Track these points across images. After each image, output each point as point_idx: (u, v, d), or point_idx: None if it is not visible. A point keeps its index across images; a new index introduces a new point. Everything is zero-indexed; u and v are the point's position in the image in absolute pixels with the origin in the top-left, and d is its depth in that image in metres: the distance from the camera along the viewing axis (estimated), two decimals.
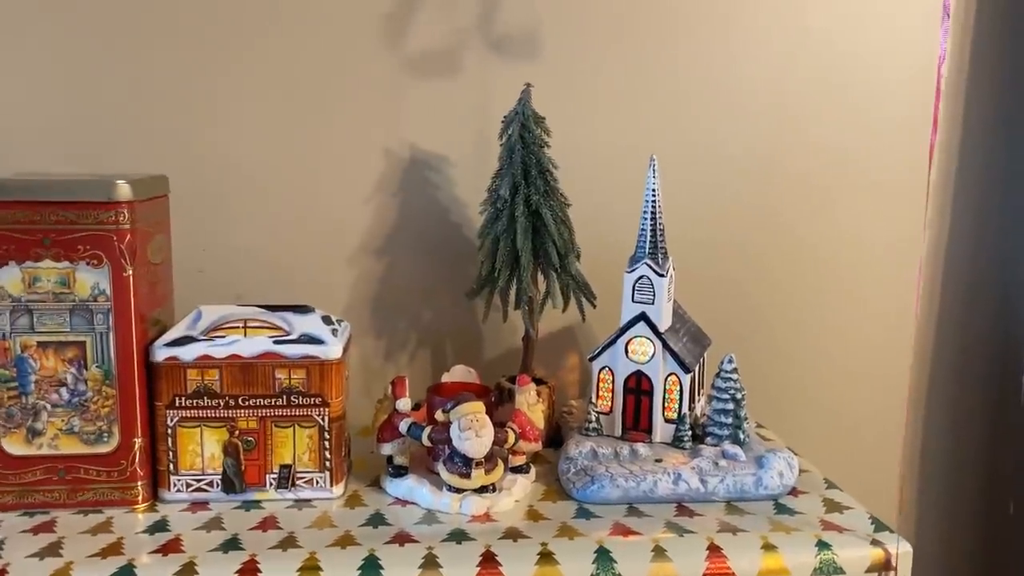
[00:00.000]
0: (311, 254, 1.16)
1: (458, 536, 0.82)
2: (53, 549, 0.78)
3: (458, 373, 1.01)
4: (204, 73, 1.11)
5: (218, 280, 1.14)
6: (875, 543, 0.82)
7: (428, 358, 1.21)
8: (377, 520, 0.86)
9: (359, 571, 0.76)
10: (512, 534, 0.83)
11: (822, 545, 0.81)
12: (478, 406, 0.88)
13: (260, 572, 0.75)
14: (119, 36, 1.09)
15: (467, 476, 0.88)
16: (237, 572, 0.75)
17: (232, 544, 0.80)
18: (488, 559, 0.78)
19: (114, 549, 0.79)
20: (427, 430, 0.90)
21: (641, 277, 0.98)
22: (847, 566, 0.81)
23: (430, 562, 0.77)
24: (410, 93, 1.15)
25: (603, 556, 0.79)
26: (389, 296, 1.18)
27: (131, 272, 0.86)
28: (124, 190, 0.85)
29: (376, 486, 0.95)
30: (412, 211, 1.18)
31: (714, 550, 0.80)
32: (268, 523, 0.85)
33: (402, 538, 0.82)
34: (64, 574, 0.74)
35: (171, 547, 0.79)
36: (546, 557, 0.79)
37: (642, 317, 0.98)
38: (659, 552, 0.80)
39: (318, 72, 1.13)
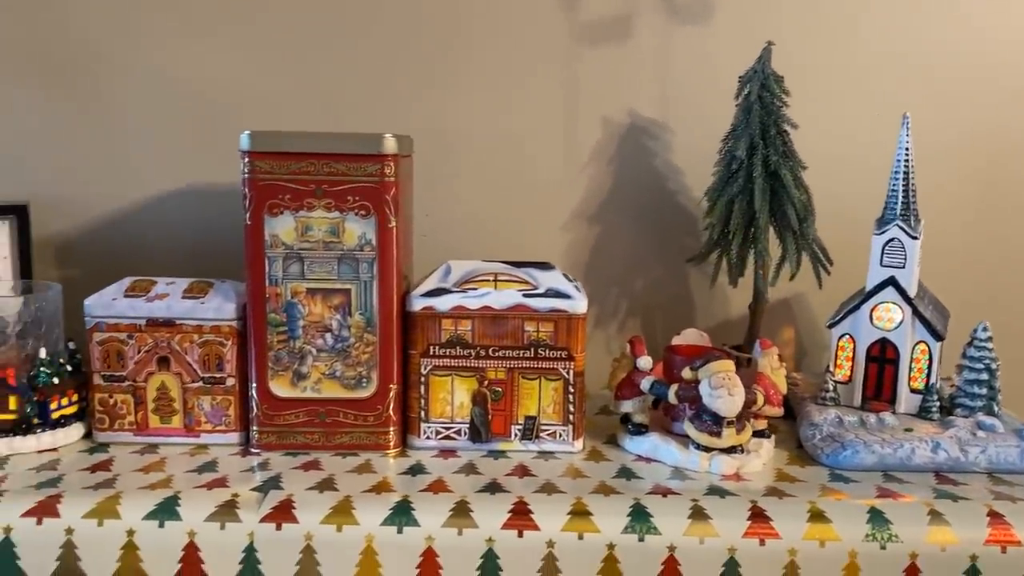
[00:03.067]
0: (527, 220, 1.18)
1: (719, 491, 0.81)
2: (328, 484, 0.82)
3: (691, 336, 1.00)
4: (432, 43, 1.15)
5: (436, 243, 1.16)
6: None
7: (638, 327, 1.20)
8: (627, 473, 0.86)
9: (629, 517, 0.76)
10: (774, 492, 0.81)
11: None
12: (729, 364, 0.87)
13: (532, 513, 0.77)
14: (353, 22, 1.14)
15: (717, 435, 0.86)
16: (510, 512, 0.77)
17: (495, 487, 0.82)
18: (757, 514, 0.77)
19: (383, 486, 0.82)
20: (674, 387, 0.89)
21: (892, 240, 0.94)
22: None
23: (698, 513, 0.77)
24: (633, 60, 1.15)
25: (877, 517, 0.76)
26: (601, 263, 1.19)
27: (395, 224, 0.89)
28: (391, 144, 0.88)
29: (610, 444, 0.95)
30: (627, 178, 1.18)
31: (995, 516, 0.76)
32: (521, 470, 0.86)
33: (662, 490, 0.81)
34: (346, 507, 0.77)
35: (437, 487, 0.82)
36: (817, 516, 0.77)
37: (891, 282, 0.94)
38: (936, 516, 0.77)
39: (541, 39, 1.15)
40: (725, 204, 1.02)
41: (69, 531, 0.75)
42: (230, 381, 0.92)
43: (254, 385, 0.91)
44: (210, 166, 1.14)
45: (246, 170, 0.88)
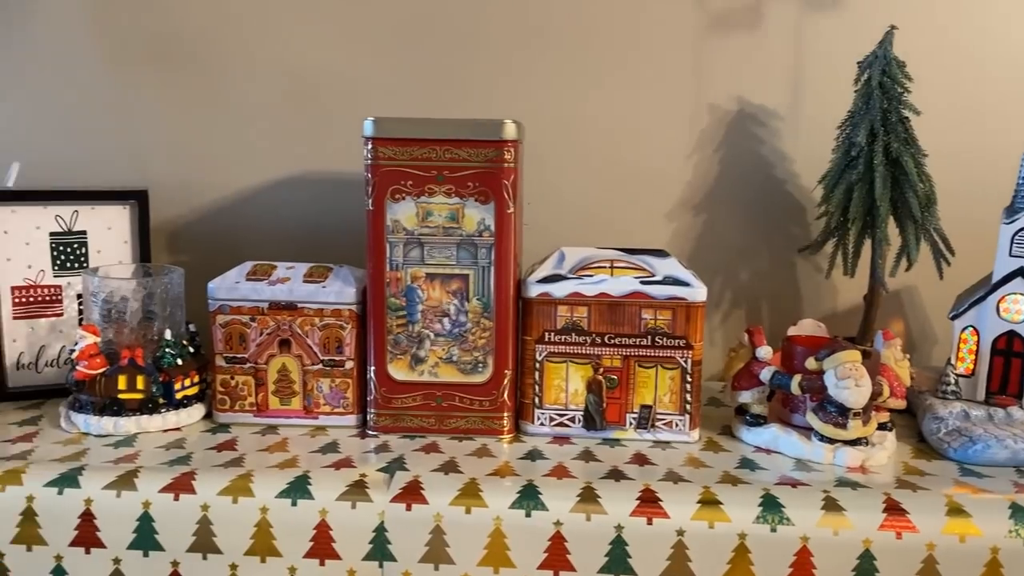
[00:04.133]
0: (631, 208, 1.17)
1: (849, 484, 0.79)
2: (451, 466, 0.82)
3: (807, 327, 0.98)
4: (543, 32, 1.14)
5: (539, 231, 1.16)
6: None
7: (742, 317, 1.18)
8: (749, 464, 0.85)
9: (760, 507, 0.75)
10: (906, 485, 0.79)
11: None
12: (856, 355, 0.85)
13: (661, 501, 0.76)
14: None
15: (843, 426, 0.85)
16: (637, 499, 0.76)
17: (617, 474, 0.81)
18: (892, 507, 0.75)
19: (506, 470, 0.82)
20: (797, 378, 0.87)
21: (1021, 230, 0.91)
22: None
23: (830, 504, 0.75)
24: (741, 44, 1.13)
25: (1020, 513, 0.74)
26: (706, 253, 1.17)
27: (513, 209, 0.89)
28: (511, 129, 0.88)
29: (724, 434, 0.94)
30: (734, 166, 1.16)
31: None
32: (639, 459, 0.86)
33: (790, 481, 0.80)
34: (473, 489, 0.77)
35: (560, 472, 0.81)
36: (955, 510, 0.74)
37: (1020, 272, 0.91)
38: None
39: (650, 28, 1.14)
40: (843, 191, 0.99)
41: (205, 507, 0.77)
42: (348, 364, 0.93)
43: (372, 368, 0.92)
44: (320, 154, 1.16)
45: (369, 156, 0.89)
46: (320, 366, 0.93)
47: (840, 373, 0.84)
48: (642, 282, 0.90)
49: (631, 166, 1.16)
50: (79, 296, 1.03)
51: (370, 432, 0.92)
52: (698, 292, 0.89)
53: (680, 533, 0.75)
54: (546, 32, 1.14)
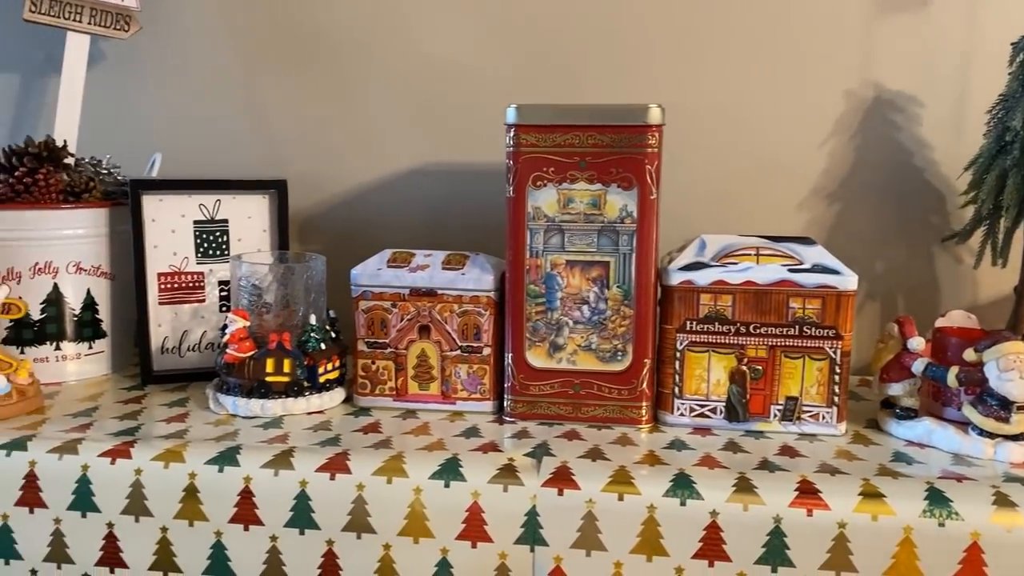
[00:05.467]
0: (764, 196, 1.14)
1: (1020, 479, 0.76)
2: (597, 454, 0.82)
3: (957, 318, 0.95)
4: (679, 15, 1.13)
5: (669, 218, 1.14)
6: None
7: (877, 310, 1.15)
8: (904, 458, 0.82)
9: (926, 501, 0.72)
10: None
11: None
12: (1020, 346, 0.81)
13: (820, 492, 0.74)
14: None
15: (1005, 420, 0.81)
16: (796, 489, 0.74)
17: (769, 465, 0.79)
18: None
19: (653, 459, 0.81)
20: (954, 370, 0.84)
21: None
22: None
23: (1002, 500, 0.72)
24: (877, 29, 1.10)
25: None
26: (839, 243, 1.13)
27: (656, 195, 0.88)
28: (655, 114, 0.87)
29: (870, 428, 0.91)
30: (870, 155, 1.12)
31: None
32: (788, 451, 0.84)
33: (954, 476, 0.77)
34: (624, 476, 0.77)
35: (709, 462, 0.80)
36: None
37: None
38: None
39: (778, 11, 1.11)
40: (996, 177, 0.95)
41: (360, 487, 0.78)
42: (486, 350, 0.93)
43: (510, 355, 0.92)
44: (446, 143, 1.17)
45: (511, 143, 0.89)
46: (458, 352, 0.94)
47: (1003, 365, 0.80)
48: (790, 270, 0.88)
49: (764, 155, 1.13)
50: (220, 283, 1.06)
51: (507, 418, 0.93)
52: (849, 281, 0.87)
53: (841, 525, 0.73)
54: (688, 19, 1.13)
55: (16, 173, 1.00)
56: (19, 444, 0.83)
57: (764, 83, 1.12)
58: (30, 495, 0.82)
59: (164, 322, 1.05)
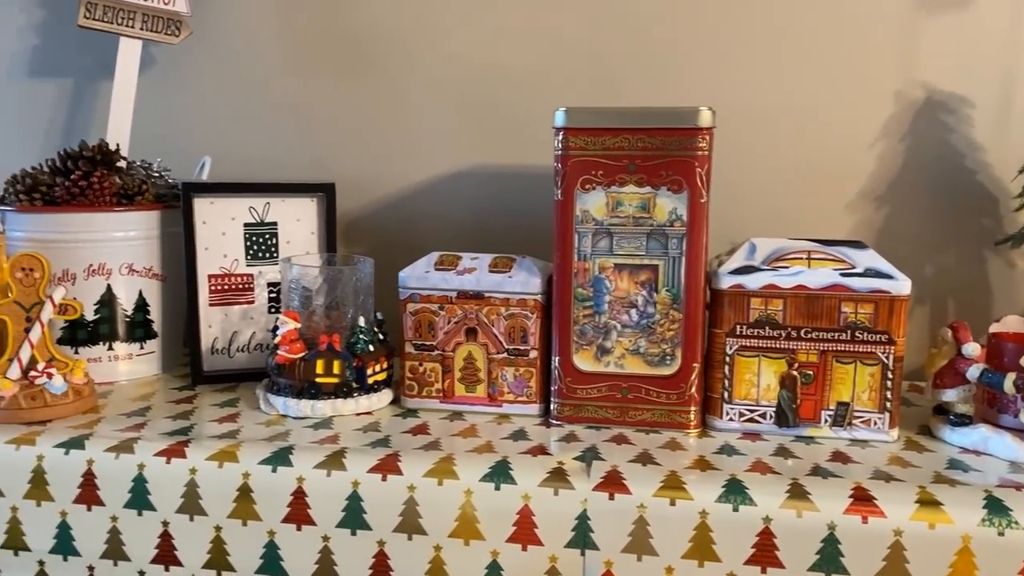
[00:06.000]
0: (811, 198, 1.13)
1: None
2: (647, 458, 0.82)
3: (1012, 323, 0.93)
4: (724, 18, 1.12)
5: (717, 219, 1.14)
6: None
7: (926, 315, 1.13)
8: (960, 465, 0.81)
9: (984, 509, 0.71)
10: None
11: None
12: None
13: (875, 499, 0.73)
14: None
15: None
16: (850, 496, 0.73)
17: (822, 471, 0.79)
18: None
19: (704, 464, 0.80)
20: (1011, 376, 0.83)
21: None
22: None
23: None
24: (926, 29, 1.08)
25: None
26: (889, 247, 1.12)
27: (706, 198, 0.88)
28: (706, 116, 0.86)
29: (922, 434, 0.90)
30: (920, 157, 1.11)
31: None
32: (840, 457, 0.83)
33: (1012, 484, 0.76)
34: (675, 481, 0.77)
35: (761, 468, 0.80)
36: None
37: None
38: None
39: (825, 12, 1.10)
40: None
41: (411, 488, 0.78)
42: (533, 353, 0.94)
43: (557, 358, 0.92)
44: (492, 147, 1.17)
45: (559, 146, 0.89)
46: (505, 355, 0.94)
47: None
48: (842, 274, 0.87)
49: (811, 157, 1.12)
50: (270, 284, 1.07)
51: (554, 422, 0.93)
52: (902, 285, 0.86)
53: (898, 533, 0.72)
54: (734, 22, 1.12)
55: (72, 176, 1.02)
56: (77, 443, 0.84)
57: (812, 84, 1.11)
58: (88, 493, 0.83)
59: (214, 323, 1.07)
